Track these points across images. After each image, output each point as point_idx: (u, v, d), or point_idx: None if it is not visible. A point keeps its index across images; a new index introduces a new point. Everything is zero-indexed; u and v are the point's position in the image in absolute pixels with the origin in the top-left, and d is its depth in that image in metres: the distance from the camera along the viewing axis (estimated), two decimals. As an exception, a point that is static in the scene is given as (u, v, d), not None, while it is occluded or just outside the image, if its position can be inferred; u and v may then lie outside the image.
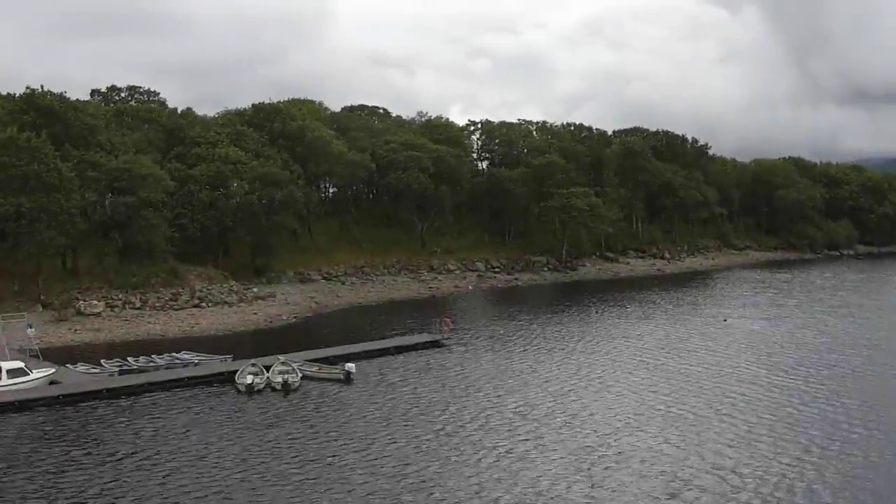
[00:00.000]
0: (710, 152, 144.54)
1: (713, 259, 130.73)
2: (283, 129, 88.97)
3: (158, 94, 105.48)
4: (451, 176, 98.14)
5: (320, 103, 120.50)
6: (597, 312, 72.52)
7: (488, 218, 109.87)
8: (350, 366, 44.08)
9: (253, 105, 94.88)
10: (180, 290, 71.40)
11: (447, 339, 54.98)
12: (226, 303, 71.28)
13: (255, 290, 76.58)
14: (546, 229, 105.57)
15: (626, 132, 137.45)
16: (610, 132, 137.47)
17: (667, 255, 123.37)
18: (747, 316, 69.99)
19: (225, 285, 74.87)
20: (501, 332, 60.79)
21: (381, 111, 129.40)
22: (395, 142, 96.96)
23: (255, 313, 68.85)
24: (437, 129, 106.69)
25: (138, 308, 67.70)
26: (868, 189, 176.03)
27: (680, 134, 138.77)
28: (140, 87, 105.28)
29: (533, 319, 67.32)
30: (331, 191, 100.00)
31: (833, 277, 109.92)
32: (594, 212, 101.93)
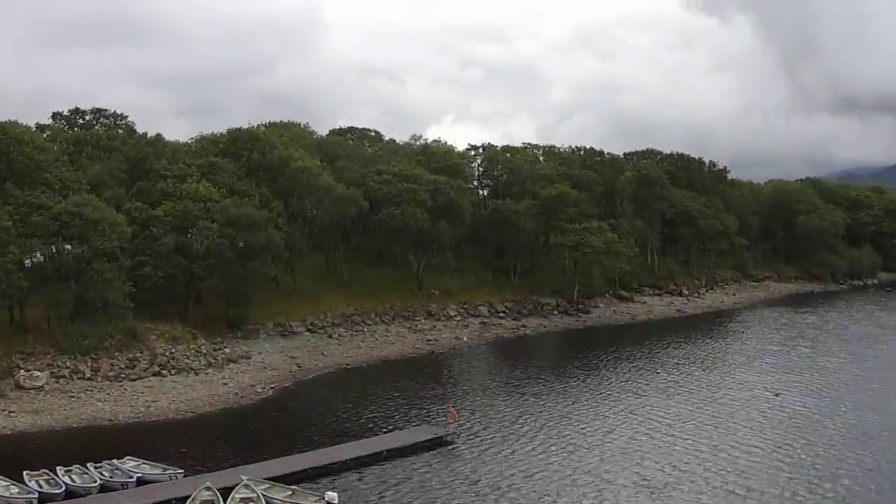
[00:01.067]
0: (730, 176, 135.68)
1: (734, 294, 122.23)
2: (263, 158, 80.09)
3: (126, 116, 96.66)
4: (450, 209, 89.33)
5: (306, 125, 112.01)
6: (618, 378, 64.07)
7: (491, 253, 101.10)
8: (332, 496, 35.12)
9: (229, 131, 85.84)
10: (138, 355, 62.38)
11: (453, 433, 46.07)
12: (192, 369, 62.35)
13: (227, 350, 67.61)
14: (555, 266, 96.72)
15: (638, 155, 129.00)
16: (621, 154, 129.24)
17: (685, 292, 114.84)
18: (790, 387, 61.27)
19: (192, 346, 65.87)
20: (511, 412, 52.31)
21: (373, 133, 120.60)
22: (388, 172, 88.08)
23: (224, 383, 59.96)
24: (435, 156, 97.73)
25: (88, 378, 58.75)
26: (891, 213, 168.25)
27: (697, 157, 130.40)
28: (106, 110, 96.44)
29: (547, 392, 59.00)
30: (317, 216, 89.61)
31: (866, 321, 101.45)
32: (610, 248, 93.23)
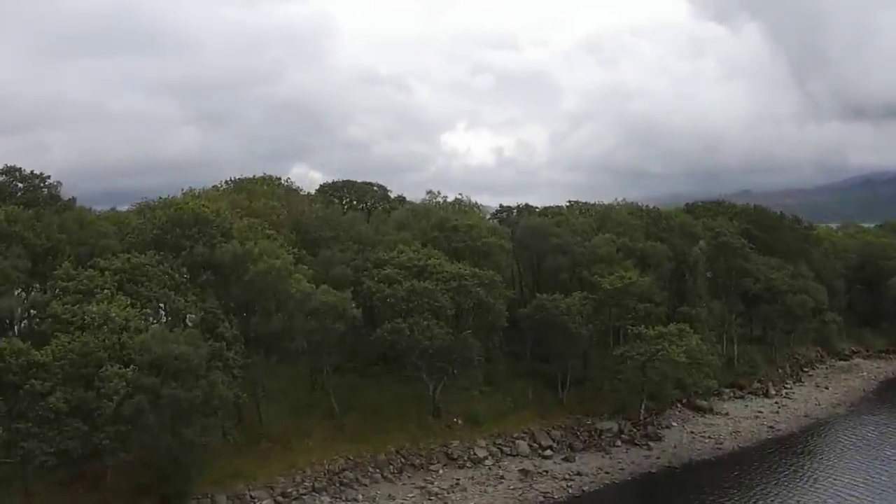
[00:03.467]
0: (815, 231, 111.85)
1: (826, 387, 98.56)
2: (211, 254, 57.04)
3: (48, 177, 73.08)
4: (479, 309, 66.30)
5: (288, 181, 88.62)
6: None
7: (529, 354, 77.69)
8: None
9: (171, 210, 61.71)
10: None
11: None
12: None
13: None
14: (615, 377, 73.14)
15: (705, 208, 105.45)
16: (683, 205, 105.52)
17: (771, 391, 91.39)
18: None
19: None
20: None
21: (376, 188, 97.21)
22: (393, 264, 64.83)
23: None
24: (457, 233, 73.72)
25: None
26: None
27: (776, 212, 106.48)
28: (21, 170, 72.81)
29: None
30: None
31: None
32: (693, 359, 69.86)
